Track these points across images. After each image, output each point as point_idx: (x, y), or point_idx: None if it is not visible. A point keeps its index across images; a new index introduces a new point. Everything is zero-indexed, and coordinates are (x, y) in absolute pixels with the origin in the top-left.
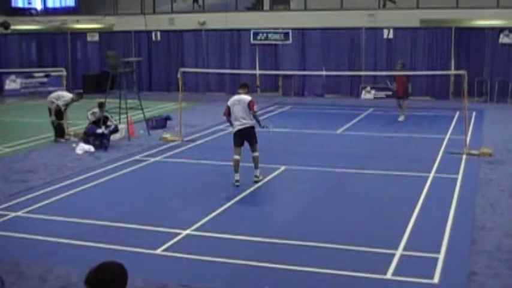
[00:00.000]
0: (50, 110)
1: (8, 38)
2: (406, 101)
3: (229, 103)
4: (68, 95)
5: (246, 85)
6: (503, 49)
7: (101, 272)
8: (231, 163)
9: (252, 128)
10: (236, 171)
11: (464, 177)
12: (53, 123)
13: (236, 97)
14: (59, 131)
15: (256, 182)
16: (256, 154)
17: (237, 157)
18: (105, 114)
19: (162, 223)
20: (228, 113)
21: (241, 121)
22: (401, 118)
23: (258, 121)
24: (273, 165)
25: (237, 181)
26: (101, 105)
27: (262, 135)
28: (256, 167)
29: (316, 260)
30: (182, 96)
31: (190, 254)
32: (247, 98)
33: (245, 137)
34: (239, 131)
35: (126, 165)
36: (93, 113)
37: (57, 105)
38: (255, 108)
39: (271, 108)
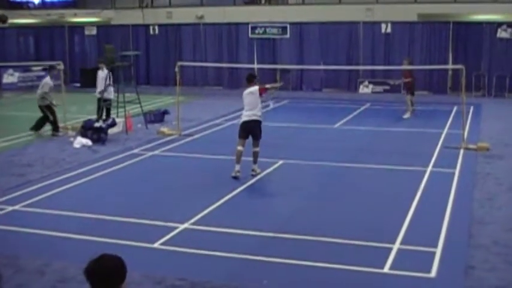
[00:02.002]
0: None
1: (6, 31)
2: (411, 97)
3: (243, 95)
4: (46, 79)
5: (253, 76)
6: (501, 44)
7: (100, 264)
8: (235, 153)
9: (259, 122)
10: (237, 161)
11: (462, 172)
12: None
13: (248, 89)
14: (54, 125)
15: (253, 175)
16: (257, 149)
17: (240, 148)
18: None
19: (160, 217)
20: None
21: (250, 112)
22: (407, 115)
23: (273, 87)
24: (271, 159)
25: (238, 171)
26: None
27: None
28: (255, 162)
29: (314, 254)
30: (180, 90)
31: (188, 248)
32: (256, 87)
33: (251, 130)
34: (246, 122)
35: (124, 159)
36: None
37: (43, 97)
38: (266, 86)
39: (268, 103)
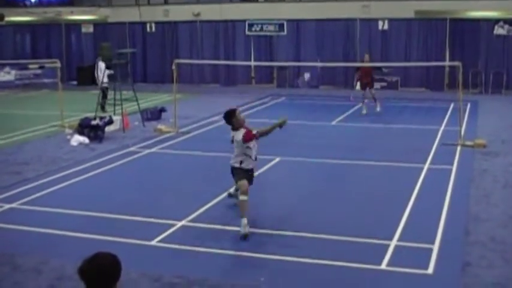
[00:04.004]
0: None
1: (3, 29)
2: (373, 90)
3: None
4: None
5: (231, 115)
6: (497, 40)
7: (94, 262)
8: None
9: (232, 167)
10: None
11: (459, 169)
12: None
13: (233, 134)
14: None
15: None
16: (239, 198)
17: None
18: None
19: (157, 214)
20: None
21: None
22: (364, 111)
23: (273, 128)
24: (268, 156)
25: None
26: None
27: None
28: (241, 215)
29: (311, 251)
30: (177, 88)
31: (186, 246)
32: (239, 135)
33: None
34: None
35: (121, 157)
36: None
37: None
38: (254, 133)
39: (265, 100)
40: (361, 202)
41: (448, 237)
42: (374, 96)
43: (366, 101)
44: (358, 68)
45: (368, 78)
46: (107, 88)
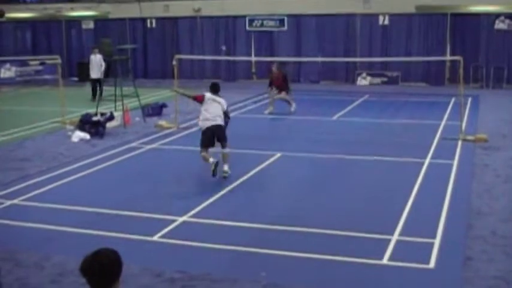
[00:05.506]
0: None
1: (3, 26)
2: (288, 94)
3: (206, 96)
4: None
5: (219, 87)
6: (498, 35)
7: (95, 259)
8: (201, 159)
9: (222, 126)
10: (207, 160)
11: (460, 163)
12: None
13: (212, 96)
14: None
15: (224, 177)
16: (227, 151)
17: (205, 153)
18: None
19: (158, 210)
20: (200, 99)
21: (215, 119)
22: (269, 110)
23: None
24: (269, 151)
25: (213, 163)
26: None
27: (258, 123)
28: (225, 162)
29: (313, 246)
30: (178, 83)
31: (187, 241)
32: (224, 102)
33: (216, 135)
34: (208, 128)
35: (122, 153)
36: None
37: None
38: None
39: (266, 95)
40: (362, 197)
41: (449, 232)
42: (286, 99)
43: (273, 101)
44: (272, 80)
45: (279, 82)
46: (99, 82)
